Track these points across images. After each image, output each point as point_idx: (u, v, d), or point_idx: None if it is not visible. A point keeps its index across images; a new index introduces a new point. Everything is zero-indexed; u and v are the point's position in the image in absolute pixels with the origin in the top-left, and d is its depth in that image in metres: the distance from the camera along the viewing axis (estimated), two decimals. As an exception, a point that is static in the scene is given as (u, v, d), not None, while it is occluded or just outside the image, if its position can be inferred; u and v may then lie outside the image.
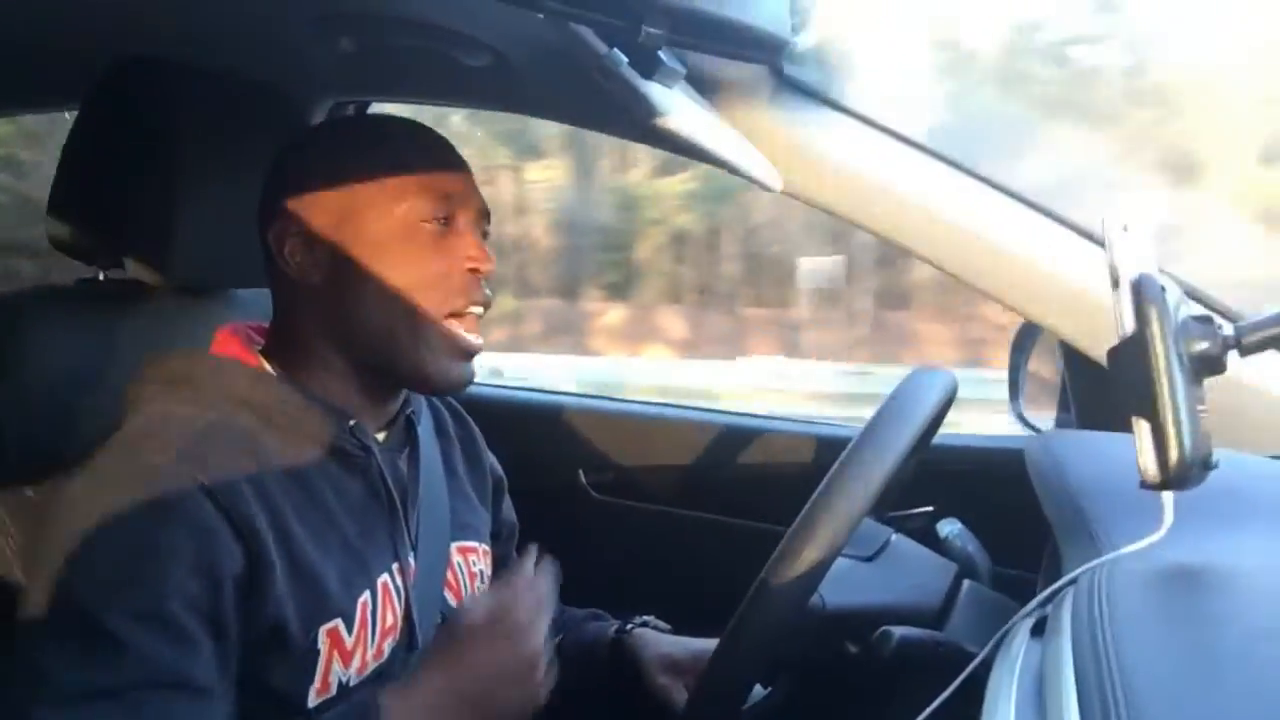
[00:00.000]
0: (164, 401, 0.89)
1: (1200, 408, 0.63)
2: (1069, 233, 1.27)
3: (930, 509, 1.20)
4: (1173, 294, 0.64)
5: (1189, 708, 0.45)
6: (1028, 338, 1.47)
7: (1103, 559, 0.63)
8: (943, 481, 1.34)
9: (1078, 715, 0.46)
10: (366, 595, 0.89)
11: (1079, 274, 1.22)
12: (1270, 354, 1.15)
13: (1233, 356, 0.65)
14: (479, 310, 0.94)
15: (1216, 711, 0.44)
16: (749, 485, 1.55)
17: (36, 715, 0.73)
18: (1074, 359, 1.35)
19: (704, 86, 1.13)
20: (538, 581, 0.92)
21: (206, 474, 0.81)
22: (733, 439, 1.60)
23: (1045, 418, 1.48)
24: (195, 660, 0.77)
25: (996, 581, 1.12)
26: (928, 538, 1.16)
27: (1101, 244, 0.65)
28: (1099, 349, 0.94)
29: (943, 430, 1.08)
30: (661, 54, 0.70)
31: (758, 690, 1.02)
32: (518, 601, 0.90)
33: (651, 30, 0.57)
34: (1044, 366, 1.49)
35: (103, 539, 0.77)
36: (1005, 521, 1.15)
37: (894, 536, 1.05)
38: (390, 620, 0.91)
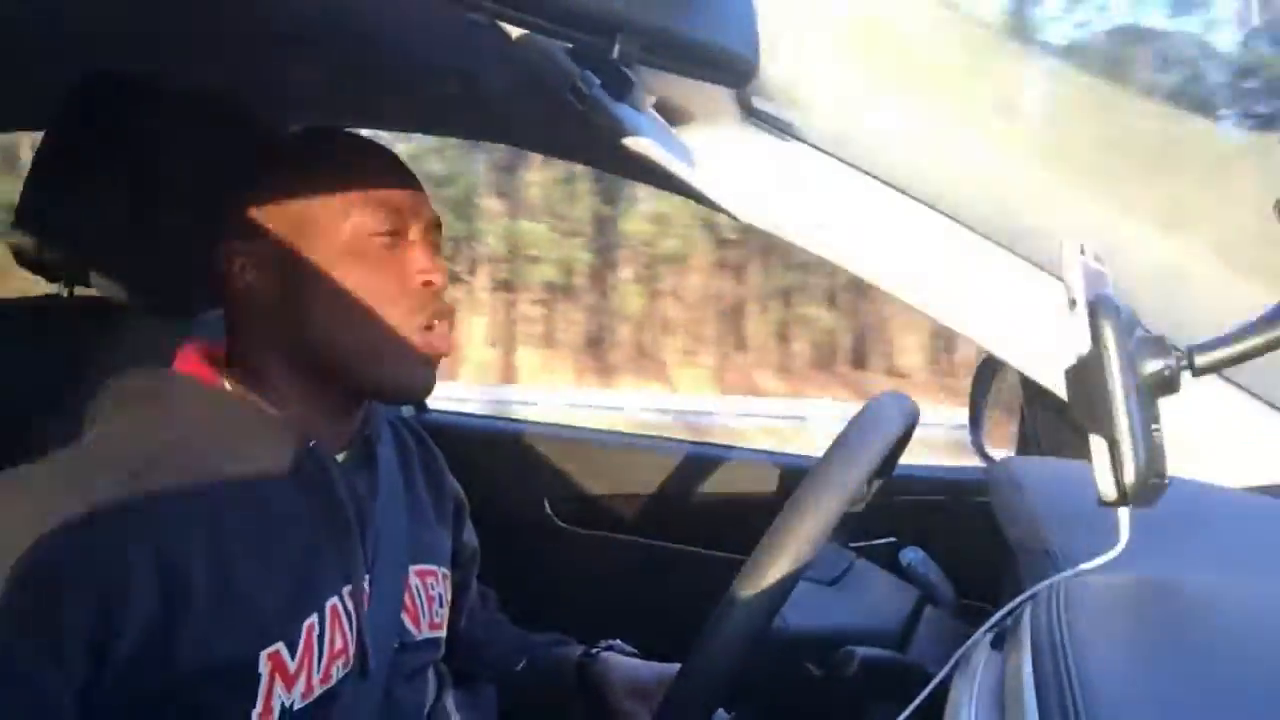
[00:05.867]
0: (120, 420, 0.88)
1: (1154, 427, 0.65)
2: (1032, 268, 1.29)
3: (893, 539, 1.21)
4: (1127, 315, 0.66)
5: (1146, 706, 0.46)
6: (989, 372, 1.49)
7: (1062, 575, 0.64)
8: (906, 512, 1.35)
9: (1037, 716, 0.47)
10: (313, 618, 0.87)
11: (1041, 309, 1.25)
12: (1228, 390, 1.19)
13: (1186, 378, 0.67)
14: (438, 322, 0.93)
15: (1174, 707, 0.45)
16: (713, 515, 1.55)
17: None
18: (1034, 394, 1.37)
19: (672, 117, 1.15)
20: None
21: (146, 501, 0.79)
22: (697, 469, 1.60)
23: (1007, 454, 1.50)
24: (65, 689, 0.74)
25: (959, 610, 1.13)
26: (890, 567, 1.16)
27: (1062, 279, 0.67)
28: (1060, 384, 0.96)
29: (907, 462, 1.09)
30: (631, 76, 0.71)
31: (721, 715, 1.02)
32: None
33: (624, 49, 0.58)
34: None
35: (17, 552, 0.74)
36: (968, 552, 1.16)
37: (857, 561, 1.05)
38: (339, 644, 0.89)
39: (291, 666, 0.85)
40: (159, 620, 0.78)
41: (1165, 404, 0.66)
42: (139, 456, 0.82)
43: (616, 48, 0.57)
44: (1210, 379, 1.19)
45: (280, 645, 0.84)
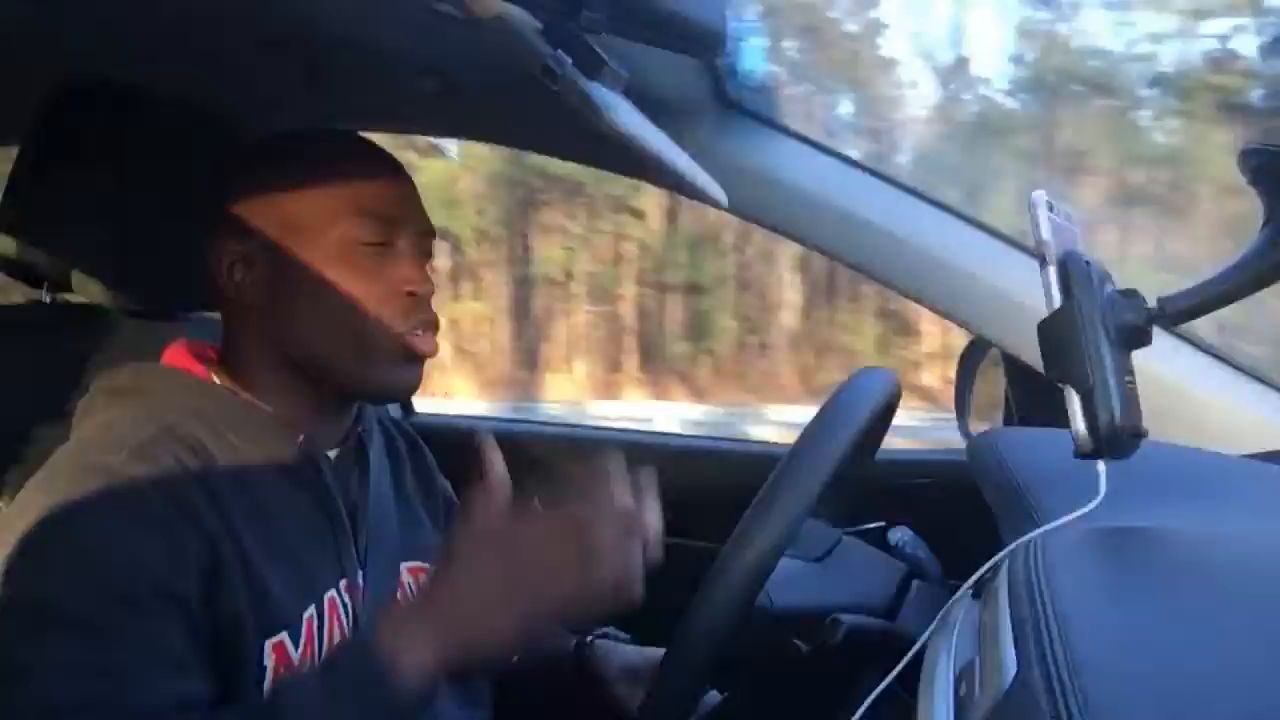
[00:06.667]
0: (112, 410, 0.89)
1: (1128, 378, 0.65)
2: (1010, 248, 1.31)
3: (882, 524, 1.21)
4: (1097, 270, 0.66)
5: (1121, 640, 0.46)
6: (974, 354, 1.50)
7: (1041, 529, 0.64)
8: (894, 495, 1.35)
9: (1013, 650, 0.47)
10: (313, 610, 0.88)
11: (1022, 288, 1.26)
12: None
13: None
14: (422, 332, 0.94)
15: (1150, 646, 0.46)
16: (705, 507, 1.54)
17: (23, 706, 0.71)
18: (1017, 372, 1.38)
19: (650, 108, 1.15)
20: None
21: (159, 473, 0.80)
22: (685, 462, 1.60)
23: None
24: (170, 636, 0.77)
25: (945, 585, 1.13)
26: (879, 547, 1.16)
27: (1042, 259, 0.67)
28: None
29: (893, 445, 1.09)
30: (602, 55, 0.72)
31: (714, 695, 1.02)
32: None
33: (591, 15, 0.59)
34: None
35: (63, 533, 0.77)
36: (955, 534, 1.16)
37: (843, 538, 1.05)
38: (338, 637, 0.90)
39: (295, 658, 0.85)
40: (209, 576, 0.80)
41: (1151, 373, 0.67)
42: (137, 438, 0.83)
43: (583, 14, 0.58)
44: (1191, 350, 1.21)
45: (285, 635, 0.85)
